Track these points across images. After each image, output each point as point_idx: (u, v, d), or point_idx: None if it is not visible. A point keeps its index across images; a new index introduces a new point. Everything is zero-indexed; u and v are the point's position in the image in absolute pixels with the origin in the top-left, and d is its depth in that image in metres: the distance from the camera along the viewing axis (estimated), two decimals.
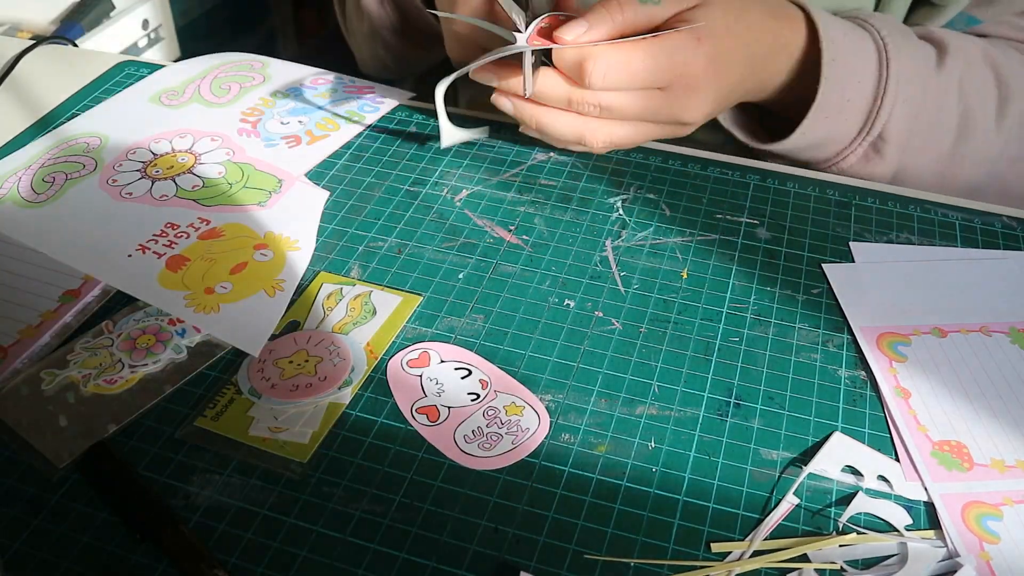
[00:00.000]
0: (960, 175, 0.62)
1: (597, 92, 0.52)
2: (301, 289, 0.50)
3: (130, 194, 0.54)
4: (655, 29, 0.52)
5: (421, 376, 0.46)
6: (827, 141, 0.60)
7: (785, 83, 0.60)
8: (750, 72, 0.57)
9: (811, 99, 0.58)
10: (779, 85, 0.60)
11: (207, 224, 0.52)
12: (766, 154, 0.63)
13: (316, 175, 0.59)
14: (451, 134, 0.59)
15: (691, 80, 0.53)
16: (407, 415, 0.44)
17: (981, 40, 0.63)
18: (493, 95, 0.55)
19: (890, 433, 0.44)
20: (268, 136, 0.60)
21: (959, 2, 0.64)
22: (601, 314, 0.50)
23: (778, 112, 0.63)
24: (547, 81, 0.53)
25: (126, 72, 0.69)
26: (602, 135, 0.55)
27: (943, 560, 0.39)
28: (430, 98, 0.64)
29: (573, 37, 0.51)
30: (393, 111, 0.65)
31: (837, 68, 0.57)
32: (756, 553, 0.39)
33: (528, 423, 0.44)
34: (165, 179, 0.55)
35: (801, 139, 0.59)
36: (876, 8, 0.65)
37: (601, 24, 0.51)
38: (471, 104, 0.74)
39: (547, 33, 0.52)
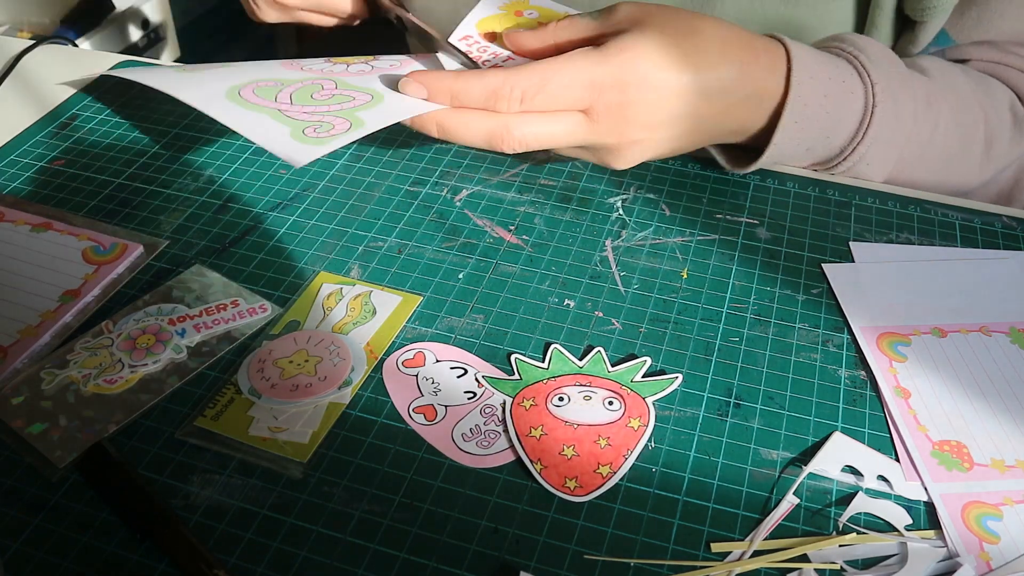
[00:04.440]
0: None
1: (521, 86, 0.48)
2: (301, 289, 0.51)
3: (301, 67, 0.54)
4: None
5: (417, 376, 0.46)
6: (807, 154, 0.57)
7: (763, 128, 0.55)
8: (709, 110, 0.52)
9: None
10: (757, 131, 0.55)
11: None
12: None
13: (316, 175, 0.59)
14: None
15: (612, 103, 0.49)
16: (405, 415, 0.44)
17: (963, 74, 0.59)
18: (402, 79, 0.51)
19: (890, 433, 0.44)
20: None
21: (941, 18, 0.59)
22: (601, 314, 0.50)
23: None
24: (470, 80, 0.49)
25: None
26: (519, 133, 0.50)
27: (943, 560, 0.39)
28: None
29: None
30: None
31: (799, 128, 0.53)
32: (756, 553, 0.39)
33: None
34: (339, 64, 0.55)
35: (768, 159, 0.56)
36: (863, 29, 0.62)
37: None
38: (422, 15, 0.66)
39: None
